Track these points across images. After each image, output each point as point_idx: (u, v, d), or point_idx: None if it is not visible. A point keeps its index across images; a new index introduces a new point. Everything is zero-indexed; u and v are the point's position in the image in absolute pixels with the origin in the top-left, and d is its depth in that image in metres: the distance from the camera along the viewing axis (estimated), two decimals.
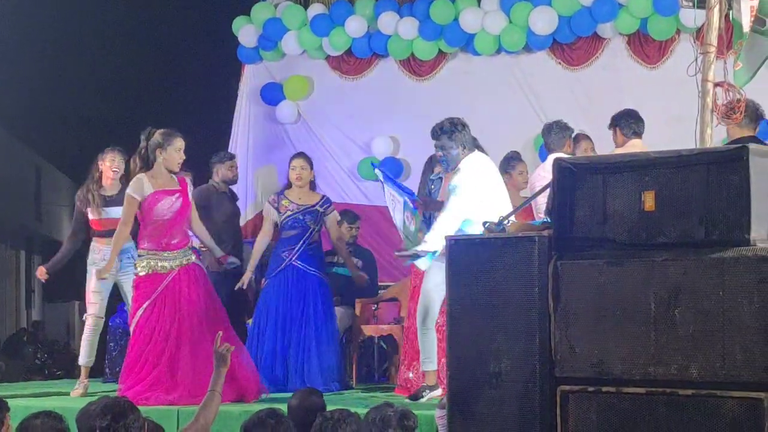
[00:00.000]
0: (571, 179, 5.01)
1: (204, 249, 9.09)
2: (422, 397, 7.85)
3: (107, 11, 13.06)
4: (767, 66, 6.53)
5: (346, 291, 10.12)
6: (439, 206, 8.14)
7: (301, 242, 9.13)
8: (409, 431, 5.22)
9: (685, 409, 4.58)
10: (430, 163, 8.87)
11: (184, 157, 8.33)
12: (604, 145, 9.00)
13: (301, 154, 9.55)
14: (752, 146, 4.68)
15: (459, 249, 5.29)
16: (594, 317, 4.83)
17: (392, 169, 11.29)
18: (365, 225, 11.10)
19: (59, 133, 14.13)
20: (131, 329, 8.33)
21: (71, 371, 12.65)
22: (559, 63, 11.76)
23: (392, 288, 10.32)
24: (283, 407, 5.74)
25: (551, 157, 7.22)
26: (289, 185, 9.29)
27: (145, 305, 8.15)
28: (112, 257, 8.52)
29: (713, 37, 6.13)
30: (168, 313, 8.14)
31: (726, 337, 4.52)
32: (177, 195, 8.25)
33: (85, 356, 9.02)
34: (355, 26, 12.17)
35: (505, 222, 5.45)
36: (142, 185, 8.16)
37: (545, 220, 5.51)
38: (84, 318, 9.13)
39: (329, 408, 5.55)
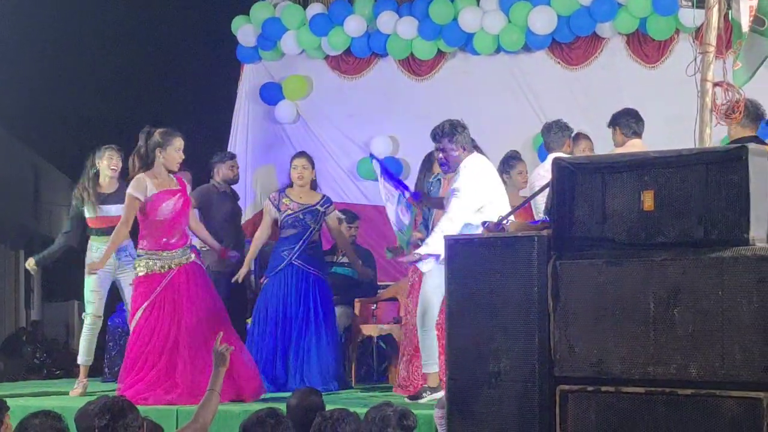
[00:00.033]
0: (570, 179, 5.01)
1: (205, 248, 9.10)
2: (423, 397, 7.86)
3: (107, 11, 13.04)
4: (766, 66, 6.53)
5: (345, 290, 10.13)
6: (439, 203, 8.14)
7: (301, 242, 9.13)
8: (409, 431, 5.23)
9: (684, 409, 4.58)
10: (428, 160, 8.86)
11: (183, 157, 8.34)
12: (604, 144, 9.01)
13: (302, 154, 9.56)
14: (751, 146, 4.68)
15: (458, 249, 5.29)
16: (593, 317, 4.83)
17: (391, 169, 11.29)
18: (364, 225, 11.10)
19: (59, 132, 14.12)
20: (131, 329, 8.34)
21: (70, 371, 12.63)
22: (558, 63, 11.76)
23: (391, 287, 10.33)
24: (282, 407, 5.74)
25: (551, 157, 7.22)
26: (290, 184, 9.30)
27: (144, 305, 8.16)
28: (106, 254, 8.53)
29: (712, 37, 6.12)
30: (167, 313, 8.15)
31: (725, 336, 4.52)
32: (178, 195, 8.27)
33: (83, 355, 9.03)
34: (354, 26, 12.17)
35: (504, 222, 5.45)
36: (144, 185, 8.15)
37: (544, 219, 5.51)
38: (83, 317, 9.13)
39: (328, 407, 5.55)
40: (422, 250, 7.55)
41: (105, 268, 8.82)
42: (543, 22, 11.40)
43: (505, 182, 8.47)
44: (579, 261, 4.91)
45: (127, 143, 8.67)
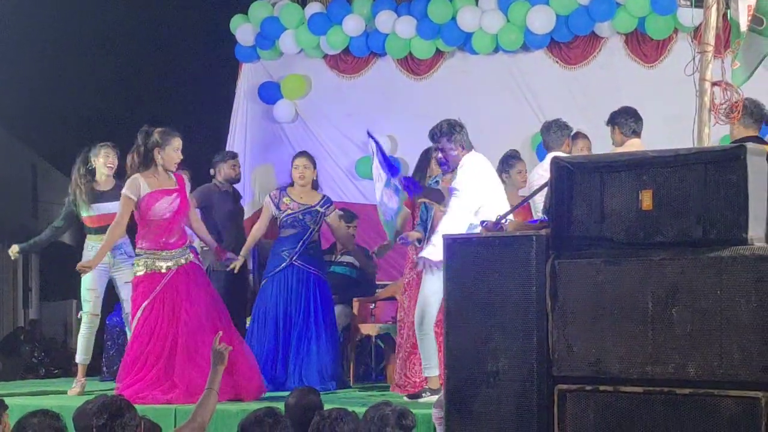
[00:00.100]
0: (568, 178, 5.01)
1: (205, 248, 9.10)
2: (422, 397, 7.86)
3: (106, 11, 13.04)
4: (765, 65, 6.53)
5: (344, 290, 10.13)
6: (439, 196, 8.10)
7: (301, 242, 9.14)
8: (407, 430, 5.23)
9: (682, 408, 4.58)
10: (426, 156, 8.85)
11: (182, 157, 8.34)
12: (602, 144, 9.01)
13: (304, 153, 9.56)
14: (750, 146, 4.69)
15: (456, 248, 5.29)
16: (591, 316, 4.83)
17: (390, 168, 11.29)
18: (363, 224, 11.10)
19: (58, 132, 14.10)
20: (131, 328, 8.34)
21: (68, 370, 12.63)
22: (557, 62, 11.76)
23: (390, 287, 10.32)
24: (281, 406, 5.74)
25: (550, 156, 7.21)
26: (291, 183, 9.30)
27: (144, 305, 8.16)
28: (99, 253, 8.51)
29: (711, 37, 6.12)
30: (167, 313, 8.15)
31: (723, 336, 4.52)
32: (175, 194, 8.26)
33: (81, 354, 9.03)
34: (353, 25, 12.16)
35: (503, 221, 5.45)
36: (138, 185, 8.17)
37: (543, 219, 5.51)
38: (79, 316, 9.13)
39: (327, 407, 5.55)
40: (431, 255, 7.52)
41: (101, 266, 8.81)
42: (542, 21, 11.40)
43: (504, 182, 8.46)
44: (577, 260, 4.91)
45: (126, 142, 8.67)
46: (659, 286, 4.68)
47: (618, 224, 4.87)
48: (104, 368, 10.24)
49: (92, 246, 8.89)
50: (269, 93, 12.75)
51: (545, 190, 5.50)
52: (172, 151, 8.24)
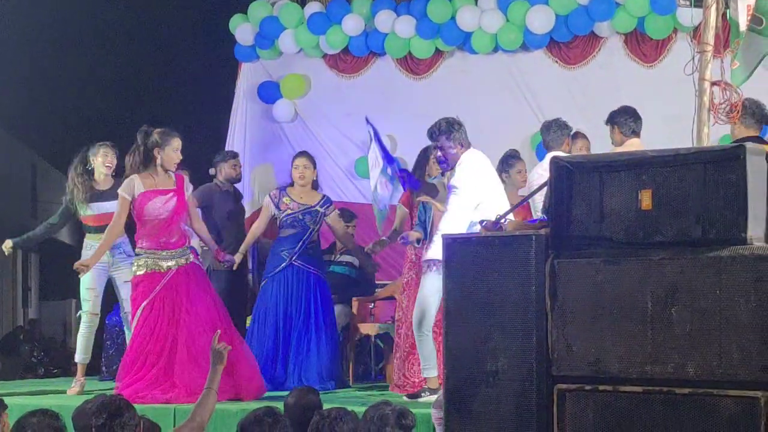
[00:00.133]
0: (568, 178, 5.01)
1: (205, 248, 9.11)
2: (422, 397, 7.86)
3: (106, 11, 13.05)
4: (764, 65, 6.54)
5: (343, 289, 10.13)
6: (432, 190, 8.08)
7: (301, 242, 9.13)
8: (407, 430, 5.23)
9: (681, 408, 4.58)
10: (424, 155, 8.84)
11: (182, 157, 8.35)
12: (601, 143, 9.00)
13: (304, 153, 9.56)
14: (749, 145, 4.69)
15: (456, 248, 5.29)
16: (591, 316, 4.83)
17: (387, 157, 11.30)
18: (362, 223, 11.10)
19: (58, 132, 14.12)
20: (131, 328, 8.34)
21: (67, 369, 12.65)
22: (556, 62, 11.76)
23: (389, 286, 10.32)
24: (280, 405, 5.74)
25: (550, 156, 7.21)
26: (291, 183, 9.30)
27: (144, 304, 8.16)
28: (98, 252, 8.52)
29: (710, 36, 6.12)
30: (166, 313, 8.15)
31: (723, 336, 4.52)
32: (171, 194, 8.25)
33: (81, 354, 9.03)
34: (352, 25, 12.17)
35: (502, 220, 5.45)
36: (133, 185, 8.20)
37: (542, 218, 5.51)
38: (78, 315, 9.13)
39: (326, 406, 5.55)
40: (437, 255, 7.51)
41: (101, 266, 8.82)
42: (541, 21, 11.41)
43: (504, 181, 8.46)
44: (577, 260, 4.91)
45: (125, 142, 8.67)
46: (658, 286, 4.68)
47: (617, 224, 4.87)
48: (103, 368, 10.24)
49: (91, 245, 8.88)
50: (269, 92, 12.75)
51: (545, 189, 5.49)
52: (172, 151, 8.25)
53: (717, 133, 7.97)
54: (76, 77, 13.56)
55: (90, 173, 9.05)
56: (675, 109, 9.62)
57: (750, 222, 4.57)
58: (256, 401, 7.73)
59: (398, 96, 12.27)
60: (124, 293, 8.76)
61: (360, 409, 5.47)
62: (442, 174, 8.31)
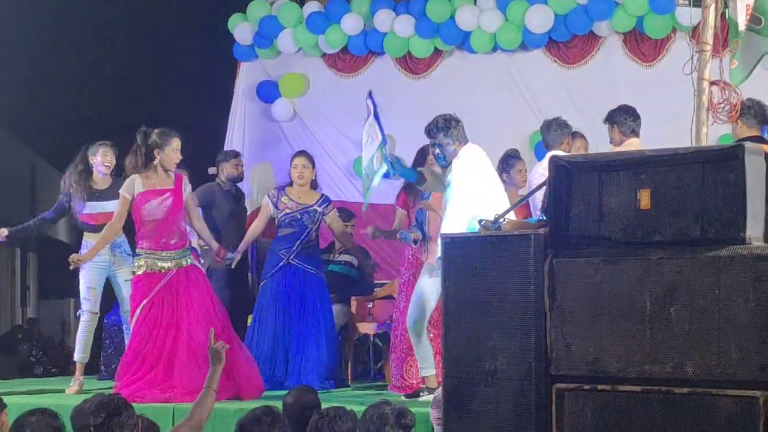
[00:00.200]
0: (567, 177, 5.01)
1: (206, 248, 9.11)
2: (420, 396, 7.86)
3: (105, 11, 13.05)
4: (763, 64, 6.54)
5: (342, 289, 10.13)
6: (438, 181, 8.06)
7: (298, 241, 9.13)
8: (407, 429, 5.23)
9: (680, 408, 4.58)
10: (422, 154, 8.84)
11: (181, 157, 8.35)
12: (601, 143, 9.00)
13: (303, 153, 9.56)
14: (748, 145, 4.69)
15: (455, 247, 5.29)
16: (590, 315, 4.83)
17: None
18: (361, 223, 11.08)
19: (57, 131, 14.11)
20: (131, 327, 8.34)
21: (66, 368, 12.62)
22: (555, 61, 11.77)
23: (387, 286, 10.31)
24: (279, 405, 5.73)
25: (549, 155, 7.20)
26: (290, 183, 9.30)
27: (142, 304, 8.17)
28: (94, 248, 8.54)
29: (709, 36, 6.13)
30: (166, 314, 8.16)
31: (721, 335, 4.52)
32: (167, 195, 8.27)
33: (80, 353, 9.03)
34: (351, 24, 12.17)
35: (501, 220, 5.45)
36: (133, 185, 8.24)
37: (541, 217, 5.51)
38: (78, 314, 9.13)
39: (325, 405, 5.55)
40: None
41: (100, 264, 8.84)
42: (540, 20, 11.41)
43: (504, 181, 8.45)
44: (575, 259, 4.91)
45: (125, 142, 8.67)
46: (657, 285, 4.68)
47: (616, 223, 4.87)
48: (102, 367, 10.24)
49: (89, 244, 8.89)
50: (267, 92, 12.75)
51: (545, 188, 5.49)
52: (172, 151, 8.26)
53: (716, 133, 7.98)
54: (76, 77, 13.55)
55: (89, 172, 9.06)
56: (674, 109, 9.64)
57: (749, 221, 4.57)
58: (254, 400, 7.73)
59: (397, 95, 12.25)
60: (125, 292, 8.77)
61: (359, 409, 5.47)
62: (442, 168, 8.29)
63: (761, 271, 4.45)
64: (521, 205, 7.52)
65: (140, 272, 8.24)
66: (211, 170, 10.45)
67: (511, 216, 5.72)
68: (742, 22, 6.30)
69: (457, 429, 5.15)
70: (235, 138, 12.76)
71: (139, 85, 13.40)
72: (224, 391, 7.52)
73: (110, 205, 8.69)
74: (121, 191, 8.28)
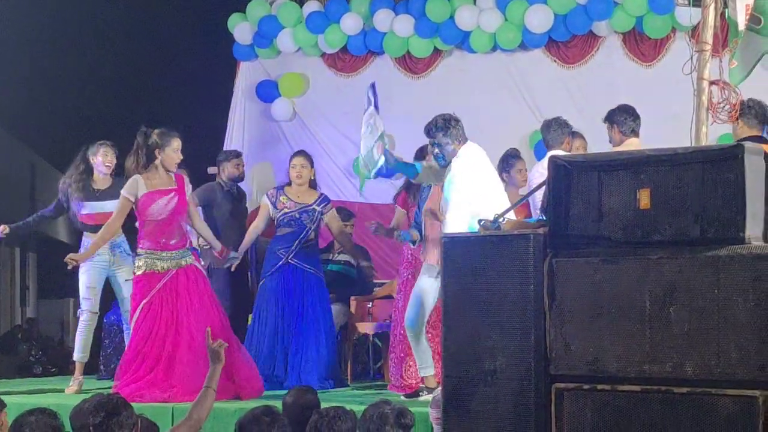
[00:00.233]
0: (566, 177, 5.01)
1: (206, 247, 9.11)
2: (420, 396, 7.86)
3: (105, 11, 13.06)
4: (763, 64, 6.54)
5: (341, 288, 10.12)
6: (438, 175, 8.06)
7: (297, 241, 9.12)
8: (406, 429, 5.23)
9: (680, 407, 4.58)
10: (420, 153, 8.84)
11: (182, 157, 8.36)
12: (600, 143, 8.99)
13: (301, 152, 9.55)
14: (748, 145, 4.69)
15: (455, 247, 5.29)
16: (589, 315, 4.83)
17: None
18: (360, 222, 11.09)
19: (57, 131, 14.12)
20: (131, 327, 8.35)
21: (65, 368, 12.63)
22: (555, 61, 11.77)
23: (387, 285, 10.31)
24: (278, 405, 5.73)
25: (549, 154, 7.20)
26: (289, 182, 9.30)
27: (142, 303, 8.17)
28: (91, 247, 8.55)
29: (709, 36, 6.13)
30: (165, 314, 8.16)
31: (721, 335, 4.52)
32: (172, 194, 8.27)
33: (79, 352, 9.03)
34: (351, 23, 12.17)
35: (501, 220, 5.45)
36: (136, 186, 8.22)
37: (541, 217, 5.51)
38: (78, 314, 9.13)
39: (324, 405, 5.55)
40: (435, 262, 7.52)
41: (100, 264, 8.85)
42: (539, 20, 11.41)
43: (504, 181, 8.45)
44: (575, 259, 4.91)
45: (125, 142, 8.68)
46: (657, 285, 4.68)
47: (616, 223, 4.87)
48: (101, 366, 10.24)
49: (89, 243, 8.90)
50: (267, 91, 12.75)
51: (545, 188, 5.49)
52: (172, 151, 8.26)
53: (715, 133, 7.98)
54: (76, 77, 13.55)
55: (90, 172, 9.06)
56: (673, 109, 9.65)
57: (748, 221, 4.57)
58: (254, 400, 7.73)
59: (397, 95, 12.24)
60: (125, 292, 8.78)
61: (358, 408, 5.47)
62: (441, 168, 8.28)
63: (761, 271, 4.46)
64: (521, 204, 7.52)
65: (140, 272, 8.24)
66: (211, 170, 10.44)
67: (511, 216, 5.72)
68: (741, 21, 6.30)
69: (457, 429, 5.15)
70: (234, 138, 12.75)
71: (139, 85, 13.41)
72: (224, 392, 7.52)
73: (109, 205, 8.69)
74: (123, 192, 8.26)
